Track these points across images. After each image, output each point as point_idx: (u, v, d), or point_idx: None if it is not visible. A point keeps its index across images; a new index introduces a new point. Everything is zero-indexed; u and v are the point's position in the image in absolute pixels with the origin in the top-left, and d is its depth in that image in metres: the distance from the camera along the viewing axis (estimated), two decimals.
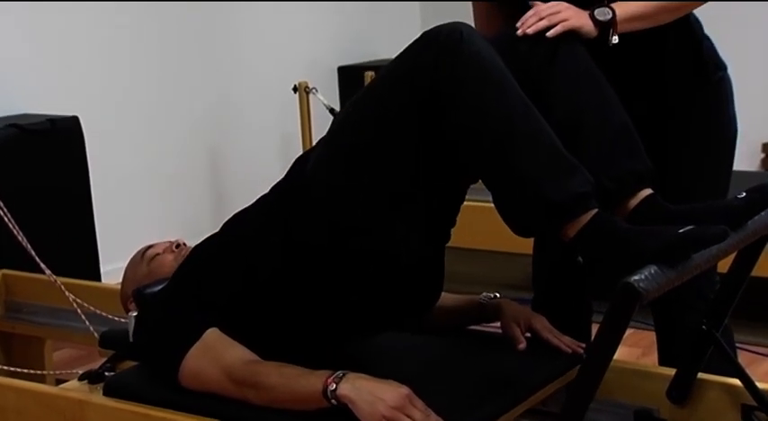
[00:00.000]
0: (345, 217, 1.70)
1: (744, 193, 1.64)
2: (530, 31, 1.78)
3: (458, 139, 1.63)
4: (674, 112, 2.12)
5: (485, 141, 1.61)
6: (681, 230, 1.50)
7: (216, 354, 1.70)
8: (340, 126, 1.75)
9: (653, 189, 1.72)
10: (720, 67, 2.13)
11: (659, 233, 1.52)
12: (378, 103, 1.68)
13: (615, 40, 1.88)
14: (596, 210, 1.60)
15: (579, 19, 1.83)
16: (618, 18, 1.88)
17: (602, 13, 1.87)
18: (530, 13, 1.82)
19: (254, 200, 1.87)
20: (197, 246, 1.90)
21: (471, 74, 1.60)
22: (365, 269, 1.72)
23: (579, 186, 1.59)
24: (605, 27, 1.87)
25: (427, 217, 1.74)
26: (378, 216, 1.69)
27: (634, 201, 1.69)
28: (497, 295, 1.97)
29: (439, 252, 1.83)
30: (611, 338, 1.48)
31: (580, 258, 1.61)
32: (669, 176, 2.06)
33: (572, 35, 1.79)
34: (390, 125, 1.66)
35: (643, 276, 1.42)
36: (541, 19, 1.79)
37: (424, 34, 1.66)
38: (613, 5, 1.89)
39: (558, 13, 1.81)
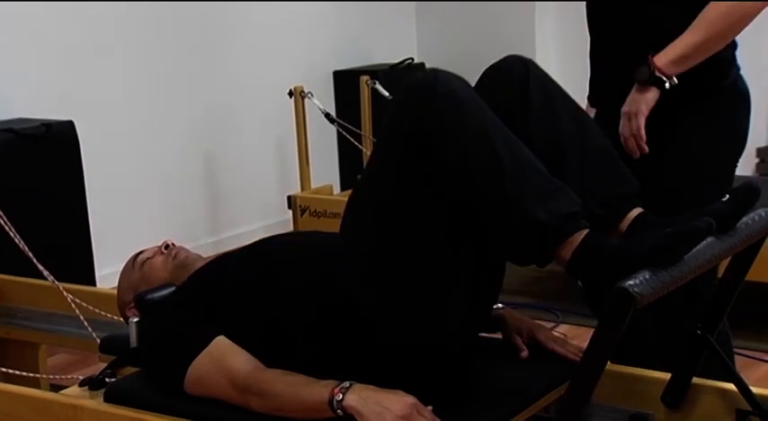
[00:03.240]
0: (383, 309, 1.68)
1: (727, 196, 1.65)
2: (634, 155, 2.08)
3: (450, 181, 1.62)
4: (678, 121, 2.14)
5: (471, 177, 1.60)
6: (667, 230, 1.52)
7: (221, 360, 1.70)
8: (357, 206, 1.73)
9: (643, 207, 1.74)
10: (731, 72, 2.16)
11: (647, 238, 1.53)
12: (381, 169, 1.69)
13: (669, 85, 2.06)
14: (587, 231, 1.60)
15: (641, 104, 2.07)
16: (662, 68, 2.05)
17: (641, 75, 2.07)
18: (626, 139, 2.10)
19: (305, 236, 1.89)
20: (220, 260, 1.89)
21: (450, 113, 1.60)
22: (403, 355, 1.70)
23: (568, 207, 1.60)
24: (655, 80, 2.05)
25: (471, 294, 1.72)
26: (415, 304, 1.67)
27: (626, 223, 1.71)
28: (499, 306, 1.96)
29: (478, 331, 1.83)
30: (606, 343, 1.48)
31: (579, 282, 1.61)
32: (664, 183, 2.10)
33: (534, 66, 1.83)
34: (399, 186, 1.65)
35: (637, 281, 1.43)
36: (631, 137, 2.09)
37: (403, 86, 1.68)
38: (656, 57, 2.06)
39: (634, 125, 2.08)
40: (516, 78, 1.77)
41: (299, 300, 1.74)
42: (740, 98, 2.20)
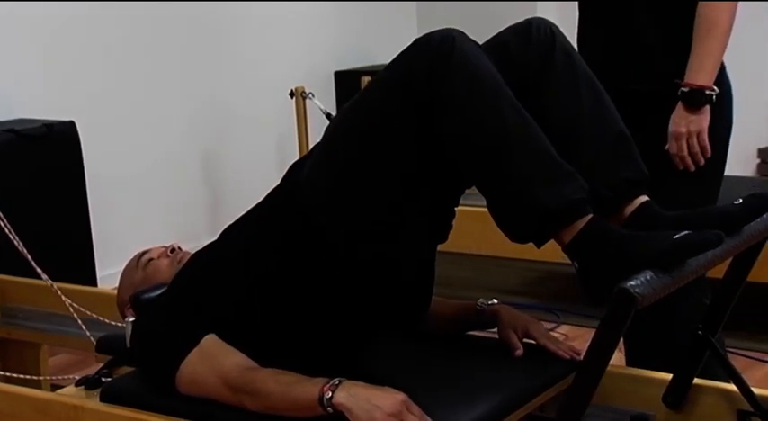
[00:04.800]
0: (342, 224, 1.70)
1: (740, 199, 1.64)
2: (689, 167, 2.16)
3: (452, 147, 1.63)
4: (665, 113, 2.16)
5: (478, 150, 1.61)
6: (675, 236, 1.51)
7: (213, 361, 1.70)
8: (335, 132, 1.75)
9: (649, 196, 1.73)
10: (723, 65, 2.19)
11: (654, 239, 1.52)
12: (372, 110, 1.68)
13: (715, 92, 2.12)
14: (591, 216, 1.60)
15: (701, 122, 2.12)
16: (707, 85, 2.11)
17: (695, 101, 2.12)
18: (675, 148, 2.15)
19: (252, 206, 1.87)
20: (198, 253, 1.89)
21: (463, 82, 1.60)
22: (363, 273, 1.72)
23: (574, 193, 1.59)
24: (708, 99, 2.11)
25: (427, 221, 1.74)
26: (376, 222, 1.69)
27: (630, 208, 1.69)
28: (494, 301, 1.96)
29: (433, 253, 1.84)
30: (608, 343, 1.48)
31: (575, 264, 1.61)
32: (660, 179, 2.10)
33: (562, 36, 1.80)
34: (384, 132, 1.66)
35: (639, 282, 1.42)
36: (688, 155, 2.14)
37: (417, 41, 1.66)
38: (693, 79, 2.11)
39: (695, 144, 2.13)
40: (541, 43, 1.74)
41: (265, 232, 1.77)
42: (728, 90, 2.25)
